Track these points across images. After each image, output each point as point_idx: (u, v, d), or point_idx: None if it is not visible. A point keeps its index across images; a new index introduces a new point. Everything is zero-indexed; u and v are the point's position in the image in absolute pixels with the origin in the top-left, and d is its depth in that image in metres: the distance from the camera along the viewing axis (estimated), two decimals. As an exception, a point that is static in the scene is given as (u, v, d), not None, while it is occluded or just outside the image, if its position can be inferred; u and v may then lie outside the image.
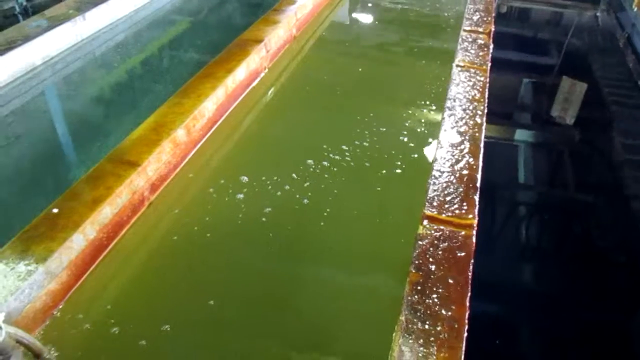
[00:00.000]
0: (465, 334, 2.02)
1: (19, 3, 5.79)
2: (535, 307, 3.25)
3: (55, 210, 2.62)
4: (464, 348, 1.98)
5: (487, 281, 2.88)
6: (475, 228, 2.55)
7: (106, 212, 2.70)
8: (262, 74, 4.51)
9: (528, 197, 4.40)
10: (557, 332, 3.04)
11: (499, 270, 3.49)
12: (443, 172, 2.87)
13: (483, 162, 3.03)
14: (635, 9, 6.13)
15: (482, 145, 3.14)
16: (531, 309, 3.24)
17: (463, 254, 2.38)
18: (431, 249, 2.38)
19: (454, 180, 2.80)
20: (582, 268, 3.48)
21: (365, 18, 6.46)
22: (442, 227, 2.51)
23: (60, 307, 2.48)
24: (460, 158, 2.99)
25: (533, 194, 4.39)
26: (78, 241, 2.52)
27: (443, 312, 2.08)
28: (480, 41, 4.52)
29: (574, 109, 5.48)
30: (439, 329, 2.02)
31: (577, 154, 4.78)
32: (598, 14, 7.23)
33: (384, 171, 3.50)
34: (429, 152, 3.66)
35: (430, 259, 2.32)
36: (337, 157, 3.57)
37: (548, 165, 4.77)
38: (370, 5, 6.77)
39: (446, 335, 1.99)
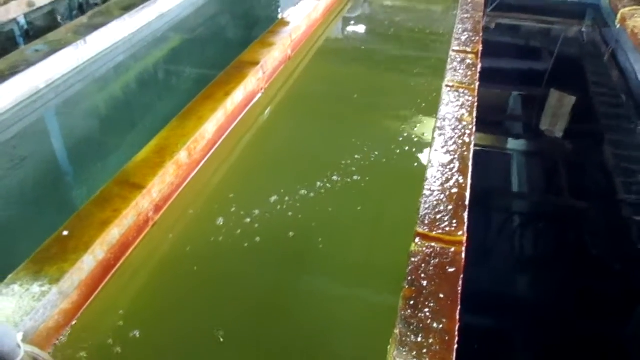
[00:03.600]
0: (456, 346, 2.17)
1: (20, 26, 5.94)
2: (528, 315, 3.35)
3: (65, 233, 2.76)
4: (454, 359, 2.12)
5: (479, 289, 3.03)
6: (465, 244, 2.70)
7: (114, 234, 2.84)
8: (259, 95, 4.68)
9: (520, 205, 4.52)
10: (551, 341, 3.15)
11: (491, 278, 3.60)
12: (433, 190, 3.03)
13: (472, 178, 3.20)
14: (618, 26, 6.35)
15: (470, 164, 3.30)
16: (524, 317, 3.35)
17: (453, 269, 2.52)
18: (423, 265, 2.53)
19: (444, 199, 2.95)
20: (577, 276, 3.59)
21: (358, 37, 6.66)
22: (433, 244, 2.66)
23: (72, 325, 2.61)
24: (450, 177, 3.15)
25: (524, 202, 4.52)
26: (88, 262, 2.66)
27: (435, 325, 2.23)
28: (468, 61, 4.70)
29: (563, 122, 5.64)
30: (431, 341, 2.16)
31: (568, 163, 4.91)
32: (583, 29, 7.45)
33: (379, 187, 3.66)
34: (421, 168, 3.81)
35: (423, 275, 2.47)
36: (333, 174, 3.72)
37: (541, 174, 4.90)
38: (361, 24, 6.98)
39: (438, 347, 2.13)
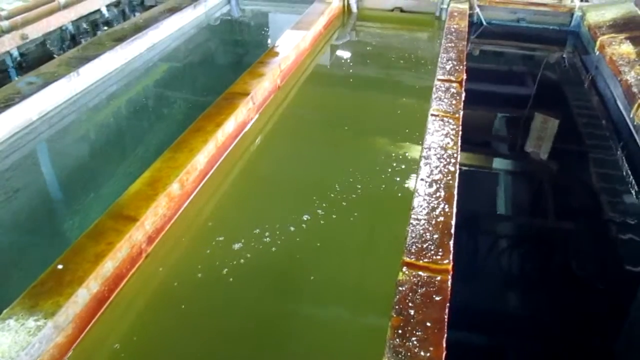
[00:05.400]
0: (443, 373, 2.23)
1: (13, 58, 6.02)
2: (515, 336, 3.40)
3: (60, 266, 2.81)
4: (441, 386, 2.19)
5: (467, 307, 3.10)
6: (451, 272, 2.78)
7: (108, 267, 2.89)
8: (249, 125, 4.78)
9: (506, 227, 4.59)
10: None
11: (479, 298, 3.65)
12: (420, 219, 3.12)
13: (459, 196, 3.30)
14: (598, 53, 6.56)
15: (455, 192, 3.40)
16: (510, 338, 3.40)
17: (440, 297, 2.60)
18: (410, 294, 2.60)
19: (431, 228, 3.04)
20: (564, 296, 3.65)
21: (345, 64, 6.81)
22: (420, 273, 2.74)
23: (66, 359, 2.64)
24: (435, 206, 3.24)
25: (511, 224, 4.59)
26: (83, 295, 2.71)
27: (422, 353, 2.29)
28: (453, 90, 4.84)
29: (547, 145, 5.77)
30: (418, 369, 2.23)
31: (552, 183, 5.00)
32: (564, 56, 7.67)
33: (368, 215, 3.75)
34: (408, 197, 3.91)
35: (410, 304, 2.54)
36: (322, 202, 3.81)
37: (526, 194, 4.99)
38: (349, 52, 7.14)
39: (425, 375, 2.20)
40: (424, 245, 2.91)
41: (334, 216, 3.70)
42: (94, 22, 7.50)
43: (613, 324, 3.43)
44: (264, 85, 5.06)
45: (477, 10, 7.98)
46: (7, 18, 6.13)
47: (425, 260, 2.82)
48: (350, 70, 6.61)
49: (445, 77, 5.09)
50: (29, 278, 2.78)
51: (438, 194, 3.36)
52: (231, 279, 3.19)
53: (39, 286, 2.69)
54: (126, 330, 2.94)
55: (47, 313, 2.54)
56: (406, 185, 4.07)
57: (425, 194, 3.35)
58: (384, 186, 4.06)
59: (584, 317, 3.45)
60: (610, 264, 3.91)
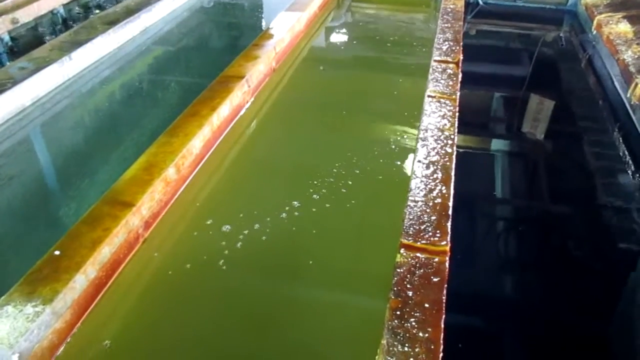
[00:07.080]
0: (441, 354, 2.24)
1: (4, 43, 5.95)
2: (514, 317, 3.43)
3: (57, 253, 2.80)
4: (440, 367, 2.20)
5: (465, 288, 3.12)
6: (449, 254, 2.78)
7: (105, 252, 2.88)
8: (245, 108, 4.74)
9: (503, 208, 4.59)
10: (538, 341, 3.22)
11: (476, 278, 3.67)
12: (417, 201, 3.11)
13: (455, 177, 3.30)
14: (595, 32, 6.51)
15: (453, 174, 3.39)
16: (509, 319, 3.42)
17: (438, 279, 2.61)
18: (408, 275, 2.60)
19: (428, 210, 3.04)
20: (561, 277, 3.67)
21: (341, 46, 6.76)
22: (418, 255, 2.74)
23: (66, 344, 2.65)
24: (433, 187, 3.24)
25: (508, 205, 4.59)
26: (80, 281, 2.70)
27: (420, 334, 2.30)
28: (449, 71, 4.80)
29: (543, 125, 5.76)
30: (417, 350, 2.24)
31: (550, 164, 5.01)
32: (561, 35, 7.62)
33: (365, 197, 3.75)
34: (406, 179, 3.90)
35: (408, 286, 2.55)
36: (320, 185, 3.79)
37: (522, 175, 4.99)
38: (344, 34, 7.08)
39: (424, 356, 2.21)
40: (422, 227, 2.91)
41: (333, 200, 3.69)
42: (85, 6, 7.39)
43: (610, 305, 3.47)
44: (259, 68, 5.02)
45: (474, -11, 7.91)
46: (-3, 2, 6.04)
47: (423, 242, 2.82)
48: (346, 52, 6.56)
49: (442, 58, 5.05)
50: (26, 265, 2.77)
51: (435, 175, 3.35)
52: (228, 264, 3.19)
53: (37, 272, 2.68)
54: (125, 316, 2.94)
55: (45, 299, 2.54)
56: (404, 168, 4.06)
57: (423, 176, 3.34)
58: (381, 169, 4.05)
59: (582, 298, 3.48)
60: (608, 245, 3.93)
